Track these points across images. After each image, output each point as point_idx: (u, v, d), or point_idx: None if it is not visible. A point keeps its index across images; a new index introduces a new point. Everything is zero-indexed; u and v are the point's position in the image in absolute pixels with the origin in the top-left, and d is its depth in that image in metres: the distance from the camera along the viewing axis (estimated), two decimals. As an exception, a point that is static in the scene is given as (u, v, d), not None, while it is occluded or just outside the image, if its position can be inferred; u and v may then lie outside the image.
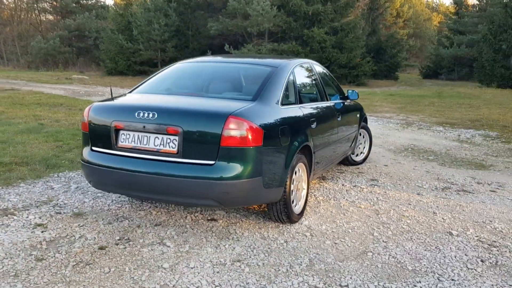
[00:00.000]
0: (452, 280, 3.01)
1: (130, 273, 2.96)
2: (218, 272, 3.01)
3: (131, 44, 27.30)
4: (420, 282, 2.97)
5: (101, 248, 3.34)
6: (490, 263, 3.30)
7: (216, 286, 2.83)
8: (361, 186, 5.21)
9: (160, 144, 3.31)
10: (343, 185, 5.22)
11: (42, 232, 3.60)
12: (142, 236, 3.58)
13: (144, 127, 3.34)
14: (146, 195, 3.53)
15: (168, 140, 3.29)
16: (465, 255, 3.42)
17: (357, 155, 6.25)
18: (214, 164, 3.20)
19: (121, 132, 3.45)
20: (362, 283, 2.92)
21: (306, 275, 3.00)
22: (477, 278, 3.05)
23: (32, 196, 4.43)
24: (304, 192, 4.05)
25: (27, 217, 3.90)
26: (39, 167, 5.41)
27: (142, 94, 3.98)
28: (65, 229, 3.68)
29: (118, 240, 3.49)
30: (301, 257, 3.27)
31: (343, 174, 5.76)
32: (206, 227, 3.79)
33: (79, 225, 3.77)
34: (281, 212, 3.68)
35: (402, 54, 36.92)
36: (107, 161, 3.49)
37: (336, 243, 3.55)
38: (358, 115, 5.89)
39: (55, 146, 6.58)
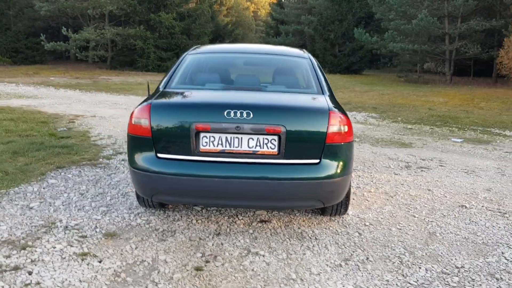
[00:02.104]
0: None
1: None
2: (346, 275, 2.90)
3: None
4: (503, 252, 3.34)
5: (197, 269, 2.90)
6: (522, 227, 3.87)
7: (359, 289, 2.75)
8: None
9: (256, 145, 3.00)
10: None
11: (101, 262, 2.95)
12: (220, 249, 3.20)
13: (237, 128, 2.97)
14: (238, 202, 3.17)
15: (266, 141, 2.99)
16: (496, 223, 3.93)
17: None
18: (319, 163, 3.05)
19: (203, 134, 3.00)
20: (465, 259, 3.15)
21: (421, 263, 3.11)
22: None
23: (20, 221, 3.55)
24: None
25: (54, 247, 3.13)
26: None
27: (192, 90, 3.50)
28: (122, 254, 3.08)
29: (202, 257, 3.07)
30: (394, 247, 3.36)
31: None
32: (270, 230, 3.56)
33: (131, 247, 3.19)
34: (343, 204, 3.67)
35: (239, 42, 38.45)
36: (187, 169, 3.00)
37: (400, 229, 3.71)
38: None
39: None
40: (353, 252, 3.23)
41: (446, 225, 3.83)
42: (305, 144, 3.03)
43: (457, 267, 3.05)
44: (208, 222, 3.67)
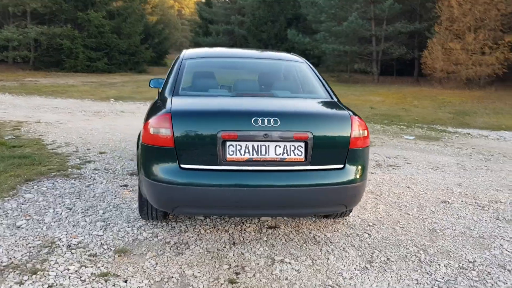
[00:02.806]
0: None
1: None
2: (377, 277, 2.96)
3: None
4: (501, 245, 3.58)
5: (231, 281, 2.82)
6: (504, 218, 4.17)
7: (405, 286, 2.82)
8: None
9: (283, 152, 2.96)
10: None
11: (127, 281, 2.77)
12: (244, 259, 3.13)
13: (265, 135, 2.92)
14: (265, 211, 3.12)
15: (293, 148, 2.97)
16: (482, 217, 4.21)
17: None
18: (343, 168, 3.08)
19: (229, 143, 2.91)
20: (473, 253, 3.34)
21: (437, 259, 3.25)
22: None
23: (14, 242, 3.24)
24: None
25: (67, 269, 2.90)
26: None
27: (205, 97, 3.39)
28: (144, 271, 2.91)
29: (229, 269, 2.98)
30: (406, 245, 3.48)
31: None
32: (283, 236, 3.54)
33: (150, 263, 3.02)
34: None
35: (168, 42, 37.73)
36: (213, 179, 2.89)
37: (402, 227, 3.85)
38: None
39: None
40: (372, 253, 3.30)
41: (440, 221, 4.04)
42: (331, 150, 3.05)
43: (470, 262, 3.23)
44: (217, 231, 3.58)
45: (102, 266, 2.95)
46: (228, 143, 2.90)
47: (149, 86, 5.46)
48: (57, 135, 7.41)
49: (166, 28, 36.65)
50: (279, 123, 2.92)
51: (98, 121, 9.16)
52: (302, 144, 2.97)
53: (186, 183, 2.89)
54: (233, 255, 3.19)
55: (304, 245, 3.40)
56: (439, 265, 3.15)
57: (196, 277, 2.87)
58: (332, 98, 3.53)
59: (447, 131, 9.36)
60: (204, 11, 42.69)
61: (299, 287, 2.79)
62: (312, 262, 3.13)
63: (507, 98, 16.82)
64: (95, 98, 13.71)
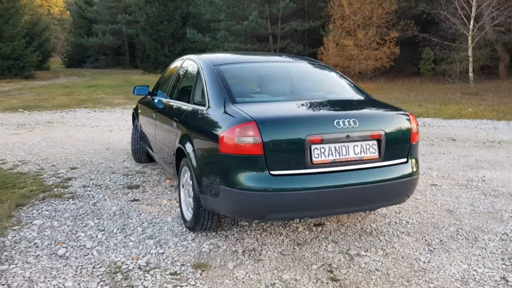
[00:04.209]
0: None
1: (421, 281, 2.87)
2: (449, 256, 3.28)
3: None
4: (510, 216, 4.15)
5: (333, 279, 2.92)
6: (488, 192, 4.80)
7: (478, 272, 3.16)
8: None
9: (361, 151, 3.12)
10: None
11: (238, 295, 2.73)
12: (324, 257, 3.23)
13: (347, 136, 3.05)
14: (346, 209, 3.25)
15: (368, 146, 3.14)
16: (473, 194, 4.79)
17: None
18: (407, 161, 3.34)
19: (314, 146, 2.99)
20: (498, 227, 3.84)
21: (480, 234, 3.66)
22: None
23: (75, 274, 2.99)
24: None
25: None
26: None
27: (268, 103, 3.40)
28: (243, 282, 2.88)
29: (320, 268, 3.07)
30: (447, 226, 3.86)
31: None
32: (337, 232, 3.71)
33: (241, 274, 2.99)
34: None
35: (49, 44, 34.90)
36: (303, 183, 2.95)
37: (425, 211, 4.24)
38: None
39: None
40: (424, 237, 3.61)
41: (447, 202, 4.51)
42: (398, 145, 3.28)
43: (505, 233, 3.70)
44: (272, 235, 3.62)
45: (198, 283, 2.85)
46: (313, 147, 2.98)
47: (133, 93, 5.28)
48: (2, 153, 6.63)
49: (46, 30, 33.77)
50: (357, 123, 3.08)
51: (31, 134, 8.34)
52: (376, 142, 3.16)
53: (278, 189, 2.92)
54: (309, 254, 3.28)
55: (362, 237, 3.60)
56: (483, 239, 3.57)
57: (297, 280, 2.91)
58: (369, 97, 3.76)
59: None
60: (86, 10, 40.28)
61: (394, 276, 2.98)
62: (384, 251, 3.34)
63: (400, 88, 18.70)
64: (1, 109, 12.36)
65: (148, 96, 5.34)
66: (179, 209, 4.13)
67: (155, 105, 4.85)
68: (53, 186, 4.89)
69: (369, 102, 3.67)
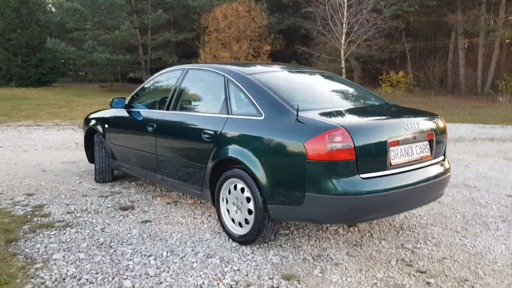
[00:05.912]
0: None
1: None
2: (497, 237, 3.74)
3: None
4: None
5: (419, 271, 3.13)
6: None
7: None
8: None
9: (420, 151, 3.39)
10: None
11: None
12: (389, 254, 3.42)
13: (414, 138, 3.30)
14: (414, 206, 3.48)
15: (423, 146, 3.43)
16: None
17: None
18: (444, 159, 3.72)
19: (391, 148, 3.17)
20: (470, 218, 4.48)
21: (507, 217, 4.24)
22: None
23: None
24: None
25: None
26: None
27: (328, 109, 3.42)
28: (348, 285, 2.94)
29: (398, 263, 3.26)
30: (470, 216, 4.35)
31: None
32: (371, 230, 3.92)
33: (336, 279, 3.03)
34: None
35: None
36: (387, 184, 3.09)
37: (452, 200, 4.71)
38: None
39: None
40: (466, 224, 4.05)
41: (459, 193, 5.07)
42: (440, 145, 3.63)
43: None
44: (322, 239, 3.70)
45: (308, 294, 2.81)
46: (391, 149, 3.17)
47: (110, 106, 4.92)
48: None
49: None
50: (419, 126, 3.36)
51: None
52: (427, 142, 3.48)
53: (370, 191, 3.03)
54: (375, 253, 3.44)
55: (399, 232, 3.88)
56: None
57: (392, 277, 3.05)
58: (389, 102, 4.08)
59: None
60: None
61: (463, 261, 3.31)
62: (431, 242, 3.66)
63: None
64: None
65: (123, 109, 4.91)
66: (206, 225, 3.94)
67: (148, 119, 4.46)
68: (29, 216, 4.19)
69: (400, 107, 4.01)
